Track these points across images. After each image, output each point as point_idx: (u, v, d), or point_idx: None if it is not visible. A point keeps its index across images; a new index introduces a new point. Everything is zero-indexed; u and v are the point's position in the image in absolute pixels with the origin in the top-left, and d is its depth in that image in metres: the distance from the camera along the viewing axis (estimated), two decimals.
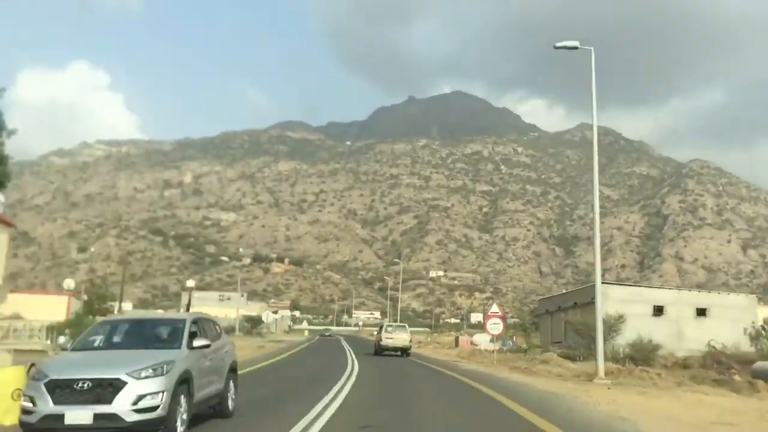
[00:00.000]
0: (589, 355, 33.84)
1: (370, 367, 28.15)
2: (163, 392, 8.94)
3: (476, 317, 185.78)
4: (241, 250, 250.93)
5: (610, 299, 38.57)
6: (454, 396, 17.95)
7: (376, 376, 23.65)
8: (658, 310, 43.38)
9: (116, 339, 10.71)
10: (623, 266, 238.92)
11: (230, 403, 12.04)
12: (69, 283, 41.98)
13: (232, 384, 12.20)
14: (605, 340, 36.22)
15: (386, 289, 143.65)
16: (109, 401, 8.63)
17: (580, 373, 24.58)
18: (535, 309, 71.65)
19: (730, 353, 33.67)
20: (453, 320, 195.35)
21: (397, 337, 42.09)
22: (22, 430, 8.85)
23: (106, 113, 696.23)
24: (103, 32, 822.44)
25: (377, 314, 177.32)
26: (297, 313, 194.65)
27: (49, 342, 15.84)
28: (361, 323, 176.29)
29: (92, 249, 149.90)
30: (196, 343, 10.37)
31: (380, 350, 41.73)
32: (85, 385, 8.65)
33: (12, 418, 9.91)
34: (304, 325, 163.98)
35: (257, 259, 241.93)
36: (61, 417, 8.49)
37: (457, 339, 69.89)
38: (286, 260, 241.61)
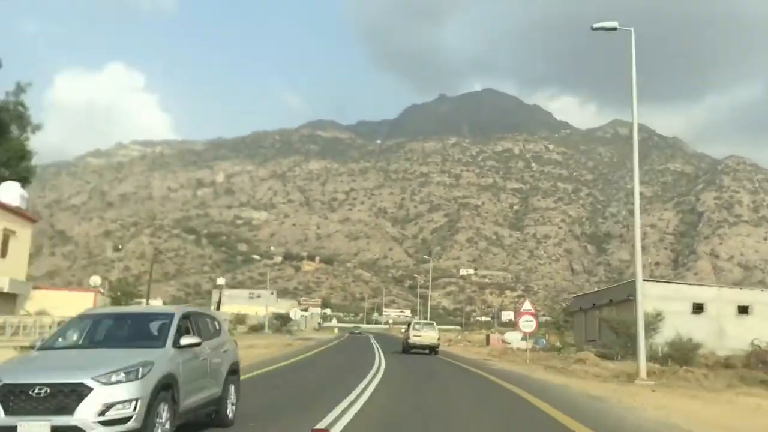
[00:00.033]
0: (626, 355, 32.65)
1: (396, 366, 27.21)
2: (136, 400, 7.51)
3: (507, 315, 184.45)
4: (272, 248, 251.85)
5: (647, 297, 36.99)
6: (485, 399, 16.78)
7: (402, 377, 22.64)
8: (698, 308, 41.86)
9: (92, 336, 9.31)
10: (657, 264, 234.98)
11: (230, 411, 10.48)
12: (95, 279, 41.75)
13: (232, 389, 10.70)
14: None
15: (416, 287, 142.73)
16: (71, 411, 7.21)
17: (618, 374, 23.23)
18: (567, 307, 70.10)
19: None
20: (484, 318, 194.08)
21: (425, 334, 41.20)
22: None
23: (141, 114, 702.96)
24: (139, 33, 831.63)
25: (407, 312, 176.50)
26: (328, 311, 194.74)
27: None
28: (391, 321, 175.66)
29: (120, 246, 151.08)
30: (185, 341, 8.91)
31: (408, 348, 40.87)
32: (43, 392, 7.25)
33: None
34: (334, 322, 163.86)
35: (288, 257, 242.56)
36: (14, 430, 7.13)
37: (488, 337, 68.54)
38: (317, 258, 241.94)
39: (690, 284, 57.87)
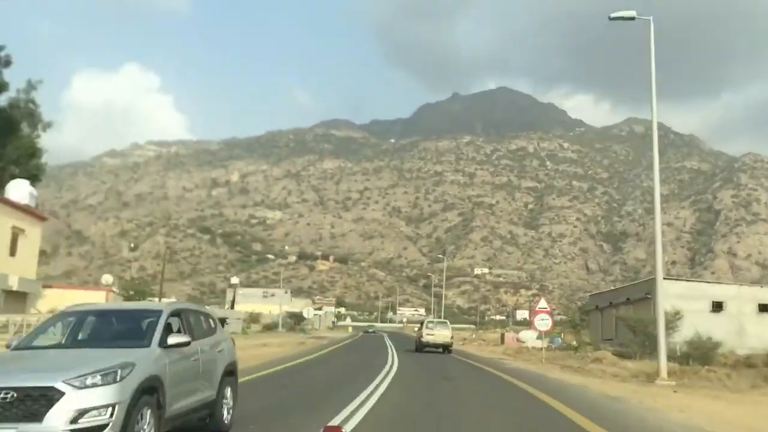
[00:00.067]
0: (644, 354, 32.04)
1: (409, 365, 26.74)
2: (114, 405, 6.74)
3: (522, 314, 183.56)
4: (286, 247, 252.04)
5: (666, 295, 36.36)
6: (500, 399, 16.21)
7: (414, 375, 22.18)
8: (717, 306, 41.16)
9: (73, 335, 8.61)
10: (674, 263, 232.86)
11: (225, 415, 9.75)
12: (107, 278, 41.61)
13: (229, 391, 9.95)
14: None
15: (431, 286, 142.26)
16: (39, 418, 6.47)
17: (637, 373, 22.57)
18: (583, 305, 69.35)
19: None
20: (498, 317, 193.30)
21: (438, 333, 40.89)
22: None
23: (156, 114, 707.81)
24: (154, 34, 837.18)
25: (422, 311, 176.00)
26: (342, 310, 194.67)
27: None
28: (405, 320, 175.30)
29: (132, 245, 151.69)
30: (172, 340, 8.13)
31: (421, 347, 40.57)
32: (9, 396, 6.52)
33: None
34: (348, 321, 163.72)
35: (303, 256, 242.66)
36: None
37: (502, 336, 67.88)
38: (331, 258, 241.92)
39: (709, 282, 57.02)
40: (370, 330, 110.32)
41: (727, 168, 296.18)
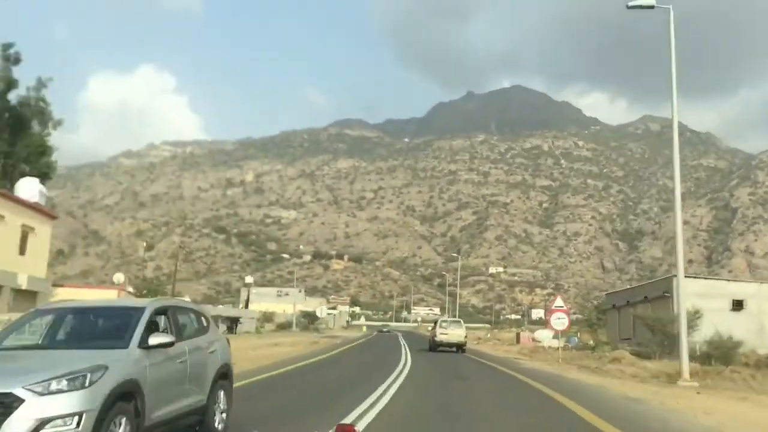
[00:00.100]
0: (663, 353, 31.36)
1: (422, 364, 26.26)
2: (81, 414, 5.96)
3: (537, 313, 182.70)
4: (301, 247, 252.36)
5: (684, 293, 35.83)
6: (515, 400, 15.67)
7: (428, 374, 21.70)
8: (738, 305, 40.23)
9: (45, 335, 7.91)
10: (691, 261, 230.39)
11: (218, 420, 8.88)
12: (119, 277, 41.44)
13: (221, 395, 9.08)
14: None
15: (445, 285, 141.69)
16: None
17: (658, 374, 21.85)
18: (599, 304, 68.51)
19: None
20: (513, 316, 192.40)
21: (452, 332, 40.48)
22: None
23: (171, 115, 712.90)
24: (168, 35, 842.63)
25: (437, 310, 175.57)
26: (357, 309, 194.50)
27: None
28: (419, 319, 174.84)
29: (143, 243, 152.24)
30: (154, 340, 7.32)
31: (435, 346, 40.19)
32: None
33: None
34: (362, 321, 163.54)
35: (317, 256, 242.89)
36: None
37: (518, 335, 67.24)
38: (346, 257, 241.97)
39: (728, 280, 56.03)
40: (385, 329, 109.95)
41: (744, 165, 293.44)
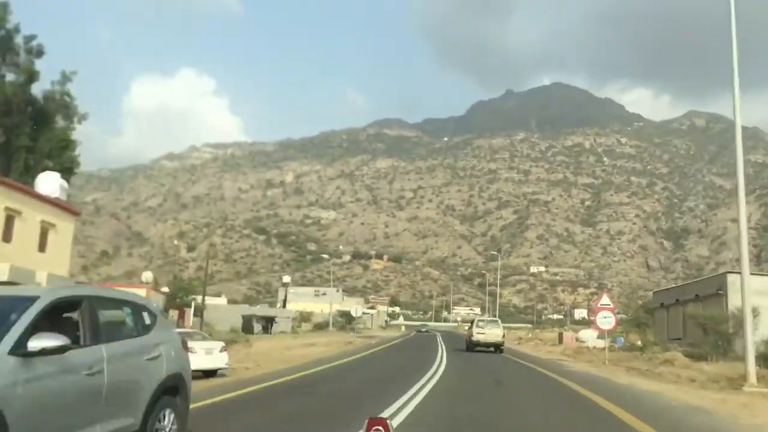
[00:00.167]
0: (718, 354, 29.30)
1: (457, 367, 24.64)
2: None
3: (580, 313, 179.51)
4: (340, 247, 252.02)
5: (740, 291, 33.56)
6: (563, 413, 13.58)
7: (461, 379, 19.97)
8: None
9: None
10: (738, 260, 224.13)
11: None
12: (147, 275, 40.89)
13: (168, 417, 7.04)
14: (735, 337, 31.37)
15: (486, 284, 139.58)
16: None
17: (717, 377, 19.76)
18: (646, 303, 65.92)
19: None
20: (556, 316, 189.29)
21: (489, 332, 39.52)
22: None
23: (212, 117, 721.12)
24: (209, 38, 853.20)
25: (477, 310, 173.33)
26: (396, 309, 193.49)
27: None
28: (459, 319, 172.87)
29: (176, 242, 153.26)
30: (37, 343, 5.26)
31: (472, 346, 39.32)
32: None
33: None
34: (401, 320, 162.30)
35: (357, 256, 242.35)
36: None
37: (560, 335, 64.95)
38: (385, 257, 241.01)
39: None
40: (423, 329, 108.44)
41: None
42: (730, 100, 19.22)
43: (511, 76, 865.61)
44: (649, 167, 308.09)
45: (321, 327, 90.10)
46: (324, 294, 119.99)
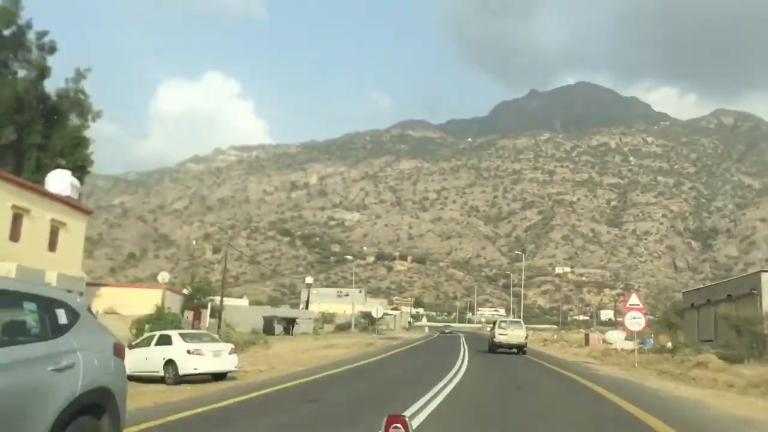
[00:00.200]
0: (753, 357, 28.01)
1: (478, 370, 23.64)
2: None
3: (606, 314, 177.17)
4: (364, 248, 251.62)
5: None
6: (590, 423, 12.34)
7: (482, 384, 18.90)
8: None
9: None
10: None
11: None
12: (164, 276, 40.47)
13: None
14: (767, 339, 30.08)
15: (510, 285, 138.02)
16: None
17: (758, 382, 18.20)
18: (674, 303, 64.27)
19: None
20: (581, 317, 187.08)
21: (512, 333, 38.80)
22: None
23: (237, 120, 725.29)
24: (234, 42, 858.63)
25: (502, 311, 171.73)
26: (420, 310, 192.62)
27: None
28: (483, 320, 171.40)
29: (194, 242, 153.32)
30: None
31: (494, 347, 38.54)
32: None
33: None
34: (424, 321, 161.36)
35: (381, 257, 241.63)
36: None
37: (587, 336, 63.42)
38: (409, 258, 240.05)
39: None
40: (447, 330, 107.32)
41: None
42: (758, 98, 17.87)
43: (536, 76, 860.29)
44: (676, 167, 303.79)
45: (343, 328, 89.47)
46: (347, 295, 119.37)
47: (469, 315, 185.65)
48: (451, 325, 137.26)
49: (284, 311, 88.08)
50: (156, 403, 13.84)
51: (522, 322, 42.56)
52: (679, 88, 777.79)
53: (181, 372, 18.53)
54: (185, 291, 51.68)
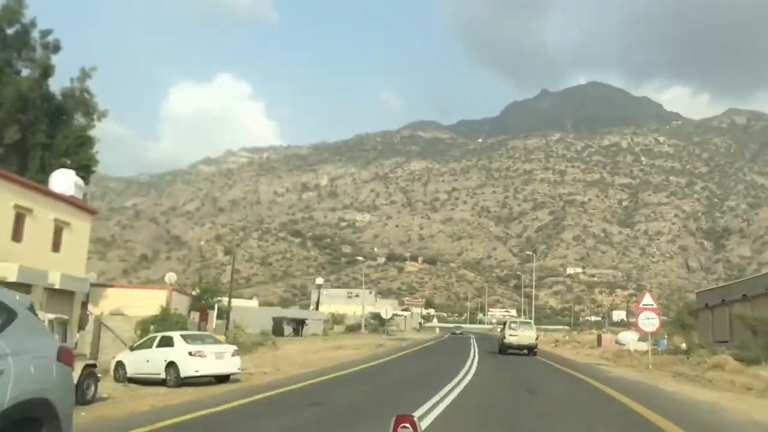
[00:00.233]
0: None
1: (488, 372, 23.14)
2: None
3: (618, 315, 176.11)
4: (375, 249, 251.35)
5: None
6: (605, 429, 11.65)
7: (491, 386, 18.33)
8: None
9: None
10: None
11: None
12: (171, 276, 40.19)
13: None
14: None
15: (521, 286, 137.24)
16: None
17: None
18: (687, 304, 63.43)
19: None
20: (593, 318, 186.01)
21: (522, 334, 38.41)
22: None
23: (248, 122, 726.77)
24: (245, 44, 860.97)
25: (513, 312, 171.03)
26: (431, 311, 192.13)
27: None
28: (495, 321, 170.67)
29: (202, 243, 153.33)
30: None
31: (504, 348, 38.15)
32: None
33: None
34: (434, 322, 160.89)
35: (391, 258, 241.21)
36: None
37: (599, 337, 62.65)
38: (420, 259, 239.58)
39: None
40: (458, 331, 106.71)
41: None
42: None
43: (546, 76, 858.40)
44: (688, 166, 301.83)
45: (353, 329, 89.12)
46: (357, 296, 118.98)
47: (480, 316, 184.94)
48: (462, 326, 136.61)
49: (294, 312, 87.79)
50: (153, 407, 13.48)
51: (532, 323, 42.23)
52: (691, 87, 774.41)
53: (182, 374, 18.17)
54: (194, 292, 51.33)
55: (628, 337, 51.22)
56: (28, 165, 33.02)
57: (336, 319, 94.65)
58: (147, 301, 32.93)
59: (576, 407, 14.80)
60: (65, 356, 5.68)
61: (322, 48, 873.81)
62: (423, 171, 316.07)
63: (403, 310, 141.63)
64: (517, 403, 14.69)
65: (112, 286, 39.16)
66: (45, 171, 31.81)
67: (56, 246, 27.41)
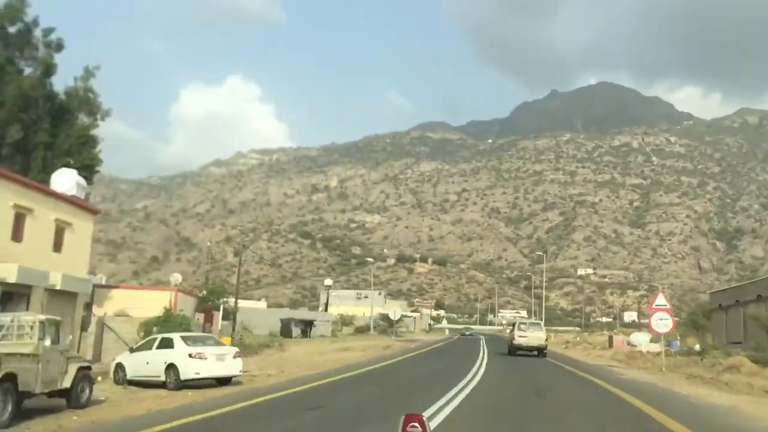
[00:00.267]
0: None
1: (496, 374, 22.62)
2: None
3: (630, 316, 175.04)
4: (385, 251, 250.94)
5: None
6: None
7: (499, 389, 17.81)
8: None
9: None
10: None
11: None
12: (176, 277, 39.92)
13: None
14: None
15: (532, 287, 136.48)
16: None
17: None
18: (700, 305, 62.64)
19: None
20: (605, 319, 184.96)
21: (532, 335, 37.98)
22: None
23: (258, 123, 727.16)
24: (254, 46, 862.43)
25: (523, 313, 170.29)
26: (441, 312, 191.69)
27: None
28: (505, 322, 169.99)
29: (208, 244, 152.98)
30: None
31: (513, 350, 37.82)
32: None
33: None
34: (444, 323, 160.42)
35: (401, 259, 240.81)
36: None
37: (610, 338, 61.90)
38: (430, 260, 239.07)
39: None
40: (467, 333, 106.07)
41: None
42: None
43: (556, 77, 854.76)
44: (699, 166, 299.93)
45: (362, 331, 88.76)
46: (366, 297, 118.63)
47: (490, 317, 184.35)
48: (472, 327, 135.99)
49: (302, 314, 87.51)
50: (150, 411, 13.09)
51: (542, 324, 41.81)
52: (703, 87, 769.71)
53: (182, 377, 17.74)
54: (201, 293, 51.02)
55: (640, 339, 50.56)
56: (31, 164, 32.76)
57: (345, 321, 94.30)
58: (152, 303, 32.55)
59: (586, 410, 14.33)
60: None
61: (330, 49, 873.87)
62: (433, 172, 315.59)
63: (412, 311, 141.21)
64: (526, 405, 14.23)
65: (117, 287, 38.86)
66: (48, 170, 31.51)
67: (57, 246, 27.07)
